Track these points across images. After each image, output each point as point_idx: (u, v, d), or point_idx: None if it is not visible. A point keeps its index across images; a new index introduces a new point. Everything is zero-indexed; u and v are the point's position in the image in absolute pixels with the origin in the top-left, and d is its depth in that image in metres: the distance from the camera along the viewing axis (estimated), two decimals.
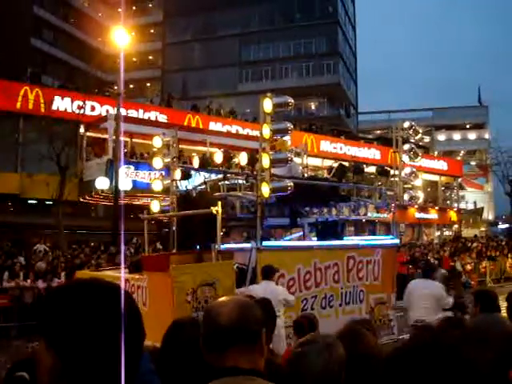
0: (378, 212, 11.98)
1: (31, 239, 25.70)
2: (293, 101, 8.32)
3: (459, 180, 45.86)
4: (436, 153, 49.96)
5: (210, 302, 6.86)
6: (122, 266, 9.28)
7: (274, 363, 3.02)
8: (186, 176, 9.40)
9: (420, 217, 35.47)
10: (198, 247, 8.53)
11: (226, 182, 8.97)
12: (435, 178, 42.30)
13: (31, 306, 15.69)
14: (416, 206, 34.09)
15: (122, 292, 1.43)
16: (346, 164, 11.31)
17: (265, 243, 8.18)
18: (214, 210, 7.60)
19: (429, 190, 42.31)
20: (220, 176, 9.27)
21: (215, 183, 9.26)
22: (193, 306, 6.79)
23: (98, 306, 1.37)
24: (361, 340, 2.92)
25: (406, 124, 10.32)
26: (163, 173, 10.72)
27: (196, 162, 9.27)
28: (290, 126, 8.21)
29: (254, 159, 8.21)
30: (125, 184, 23.61)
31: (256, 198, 8.12)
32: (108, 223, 23.61)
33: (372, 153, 36.74)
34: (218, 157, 8.65)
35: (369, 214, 12.29)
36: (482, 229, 48.99)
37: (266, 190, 7.88)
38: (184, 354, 2.68)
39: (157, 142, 9.68)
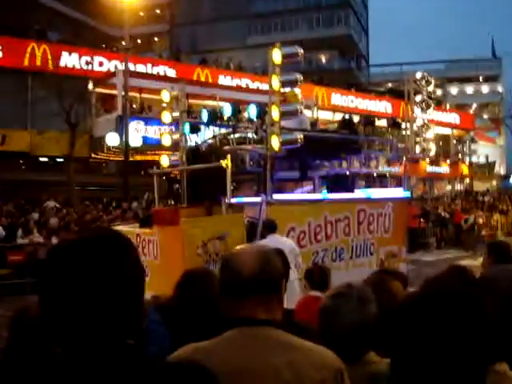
0: (389, 166, 11.90)
1: (43, 196, 25.90)
2: (302, 51, 8.16)
3: (471, 133, 45.37)
4: (448, 106, 49.30)
5: (220, 255, 6.90)
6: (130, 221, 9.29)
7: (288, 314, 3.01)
8: (194, 130, 9.33)
9: (431, 170, 35.30)
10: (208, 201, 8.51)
11: (236, 136, 8.89)
12: (447, 131, 41.89)
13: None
14: (427, 160, 33.91)
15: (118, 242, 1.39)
16: (357, 117, 11.20)
17: (275, 196, 8.16)
18: (223, 163, 7.56)
19: (440, 143, 41.95)
20: (229, 130, 9.19)
21: (224, 137, 9.19)
22: (204, 260, 6.81)
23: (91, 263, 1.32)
24: (387, 289, 2.87)
25: (419, 75, 10.13)
26: (173, 128, 10.65)
27: (205, 116, 9.17)
28: (299, 77, 8.08)
29: (263, 112, 8.10)
30: (135, 140, 23.60)
31: (266, 151, 8.05)
32: (120, 179, 23.73)
33: (383, 105, 36.36)
34: (227, 110, 8.54)
35: (380, 168, 12.21)
36: (494, 183, 48.71)
37: (275, 142, 7.80)
38: (197, 304, 2.67)
39: (165, 96, 9.58)
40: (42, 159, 27.57)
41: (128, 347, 1.36)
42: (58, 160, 26.43)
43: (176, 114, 9.57)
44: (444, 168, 38.13)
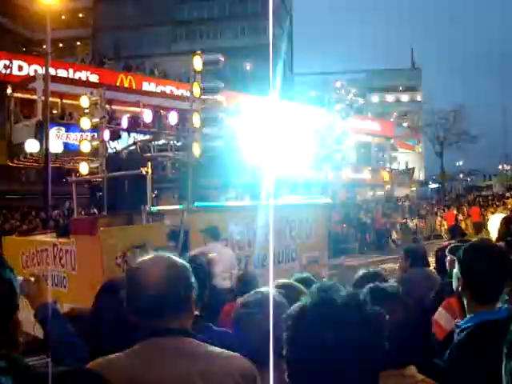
0: (316, 172, 12.09)
1: None
2: (223, 59, 8.18)
3: (391, 141, 46.87)
4: (369, 114, 50.69)
5: None
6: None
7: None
8: (115, 136, 9.17)
9: (354, 177, 36.16)
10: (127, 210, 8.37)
11: (157, 143, 8.80)
12: (368, 138, 43.05)
13: None
14: (350, 167, 34.72)
15: None
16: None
17: (196, 204, 8.12)
18: (143, 170, 7.46)
19: (362, 150, 43.08)
20: (150, 136, 9.09)
21: (145, 144, 9.07)
22: (123, 269, 6.68)
23: None
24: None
25: (338, 84, 10.37)
26: (95, 134, 10.42)
27: (125, 122, 9.02)
28: (221, 84, 8.10)
29: (184, 119, 8.07)
30: (55, 146, 22.95)
31: (187, 157, 8.01)
32: (40, 187, 22.98)
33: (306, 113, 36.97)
34: (148, 116, 8.44)
35: (305, 174, 12.40)
36: (413, 188, 50.47)
37: (197, 149, 7.78)
38: (117, 315, 2.61)
39: (84, 102, 9.37)
40: None
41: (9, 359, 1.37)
42: None
43: (96, 120, 9.38)
44: (366, 174, 39.13)
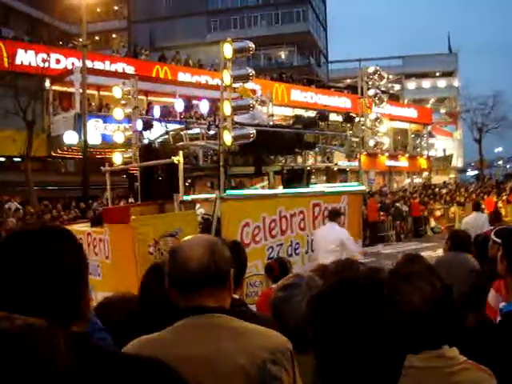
0: (349, 160, 11.97)
1: (1, 197, 25.35)
2: (253, 45, 8.12)
3: (429, 128, 46.10)
4: (406, 101, 49.95)
5: None
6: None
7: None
8: (147, 126, 9.24)
9: (390, 164, 35.77)
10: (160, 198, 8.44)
11: (189, 132, 8.82)
12: (405, 125, 42.49)
13: None
14: (386, 154, 34.31)
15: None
16: (313, 113, 11.25)
17: (228, 192, 8.13)
18: (175, 159, 7.49)
19: (399, 137, 42.53)
20: (182, 126, 9.12)
21: (177, 133, 9.11)
22: (155, 257, 6.73)
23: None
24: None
25: (371, 69, 10.21)
26: (131, 125, 10.51)
27: (157, 112, 9.08)
28: (251, 71, 8.05)
29: (215, 107, 8.06)
30: (93, 138, 23.31)
31: (218, 146, 8.02)
32: (79, 178, 23.40)
33: (343, 101, 36.65)
34: (179, 106, 8.47)
35: (339, 163, 12.28)
36: (452, 176, 49.63)
37: (228, 138, 7.76)
38: (162, 295, 2.64)
39: (117, 92, 9.46)
40: None
41: (74, 335, 1.37)
42: (16, 159, 25.86)
43: (129, 110, 9.46)
44: (403, 162, 38.64)
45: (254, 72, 8.16)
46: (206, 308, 1.93)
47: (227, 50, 7.95)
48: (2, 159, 27.11)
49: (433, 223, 25.60)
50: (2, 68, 24.13)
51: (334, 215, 8.73)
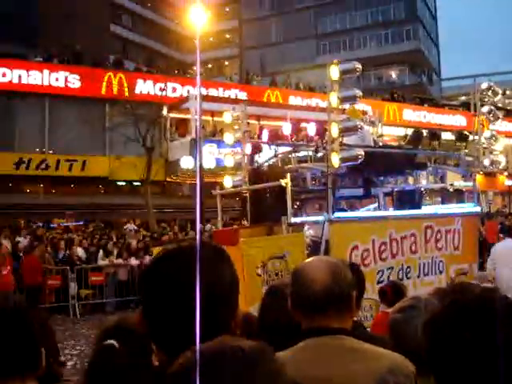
0: (464, 180, 11.53)
1: (121, 219, 26.76)
2: (360, 66, 8.08)
3: None
4: None
5: (280, 274, 6.88)
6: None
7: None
8: (256, 150, 9.42)
9: (510, 184, 33.86)
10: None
11: (297, 155, 8.90)
12: None
13: (125, 283, 16.44)
14: (506, 174, 32.46)
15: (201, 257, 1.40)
16: (424, 132, 10.95)
17: (337, 214, 8.07)
18: (283, 182, 7.57)
19: None
20: (290, 149, 9.21)
21: (285, 156, 9.21)
22: (263, 279, 6.81)
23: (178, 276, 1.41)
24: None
25: (484, 85, 9.80)
26: (239, 149, 10.77)
27: (265, 136, 9.24)
28: (358, 92, 8.01)
29: (323, 129, 8.08)
30: (208, 162, 24.00)
31: (326, 168, 8.01)
32: (195, 201, 24.14)
33: (458, 119, 35.36)
34: (287, 129, 8.58)
35: (455, 183, 11.83)
36: None
37: (335, 159, 7.74)
38: (281, 315, 2.70)
39: (227, 118, 9.75)
40: (119, 183, 28.51)
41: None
42: (135, 184, 27.23)
43: (238, 134, 9.71)
44: None
45: (361, 93, 8.11)
46: (330, 329, 1.95)
47: (334, 71, 7.98)
48: (123, 183, 28.61)
49: None
50: (123, 97, 25.57)
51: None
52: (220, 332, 1.34)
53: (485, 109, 9.75)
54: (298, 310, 2.03)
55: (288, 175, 7.66)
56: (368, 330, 5.36)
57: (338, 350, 1.93)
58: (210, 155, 24.41)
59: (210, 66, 45.21)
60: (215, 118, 26.72)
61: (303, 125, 8.58)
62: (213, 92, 28.57)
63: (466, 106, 35.75)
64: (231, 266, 1.53)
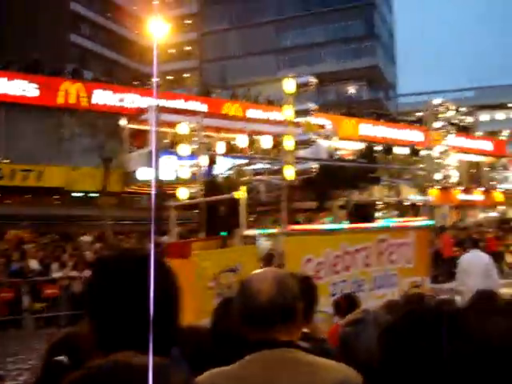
0: (420, 194, 11.75)
1: (77, 231, 26.30)
2: (315, 80, 8.16)
3: (503, 160, 44.59)
4: (479, 133, 48.63)
5: (233, 287, 6.84)
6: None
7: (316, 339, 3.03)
8: (211, 162, 9.40)
9: (464, 198, 34.67)
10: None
11: (252, 167, 8.90)
12: (479, 158, 41.26)
13: (80, 295, 16.11)
14: (460, 188, 33.30)
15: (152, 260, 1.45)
16: (378, 147, 11.13)
17: (291, 227, 8.09)
18: (237, 194, 7.55)
19: (472, 171, 41.30)
20: (246, 161, 9.22)
21: (241, 169, 9.21)
22: (216, 292, 6.76)
23: (125, 277, 1.46)
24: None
25: (437, 101, 10.02)
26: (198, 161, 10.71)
27: (221, 148, 9.24)
28: (313, 106, 8.07)
29: (278, 142, 8.12)
30: (167, 174, 23.84)
31: (281, 181, 8.03)
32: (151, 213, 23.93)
33: (414, 135, 36.05)
34: (242, 141, 8.58)
35: (411, 197, 12.03)
36: None
37: (290, 172, 7.78)
38: (235, 329, 2.68)
39: (183, 129, 9.72)
40: (76, 194, 28.06)
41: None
42: (92, 195, 26.84)
43: (194, 146, 9.68)
44: (477, 196, 37.44)
45: (316, 107, 8.18)
46: (277, 342, 1.92)
47: (289, 85, 8.03)
48: (80, 194, 28.16)
49: (509, 259, 24.51)
50: (81, 107, 25.26)
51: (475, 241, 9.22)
52: (159, 338, 1.35)
53: (437, 124, 9.95)
54: (244, 322, 2.00)
55: (243, 188, 7.64)
56: None
57: (285, 364, 1.90)
58: (168, 167, 24.25)
59: (170, 77, 45.08)
60: (174, 130, 26.57)
61: (258, 137, 8.59)
62: (173, 104, 28.45)
63: (421, 121, 36.65)
64: (168, 276, 1.57)
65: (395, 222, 10.35)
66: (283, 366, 1.88)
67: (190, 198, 9.69)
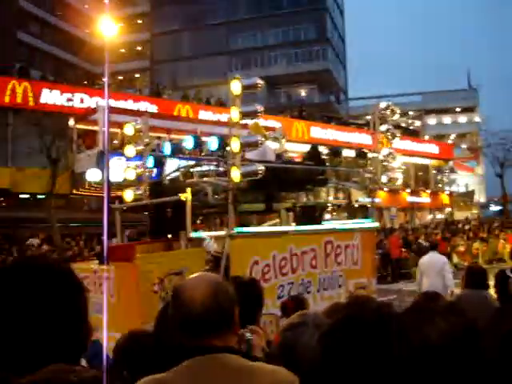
0: (368, 196, 11.89)
1: (24, 233, 25.65)
2: (261, 82, 8.15)
3: (450, 163, 45.88)
4: (427, 137, 49.87)
5: None
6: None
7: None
8: (157, 163, 9.29)
9: (412, 200, 35.45)
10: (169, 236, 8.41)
11: (198, 169, 8.83)
12: (426, 161, 42.29)
13: None
14: (408, 190, 34.05)
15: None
16: (324, 149, 11.22)
17: (237, 229, 8.06)
18: (182, 196, 7.47)
19: (420, 173, 42.29)
20: (192, 162, 9.14)
21: (187, 170, 9.13)
22: (160, 296, 6.65)
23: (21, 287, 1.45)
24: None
25: (383, 105, 10.19)
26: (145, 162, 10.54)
27: (167, 149, 9.13)
28: (259, 108, 8.05)
29: (224, 144, 8.06)
30: (116, 175, 23.48)
31: (227, 183, 7.99)
32: (101, 215, 23.56)
33: (364, 138, 36.62)
34: (189, 143, 8.50)
35: (360, 199, 12.17)
36: (474, 211, 49.13)
37: (236, 174, 7.74)
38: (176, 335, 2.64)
39: (129, 130, 9.57)
40: (22, 196, 27.42)
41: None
42: (39, 196, 26.28)
43: (140, 147, 9.55)
44: (424, 198, 38.35)
45: (262, 108, 8.16)
46: (213, 348, 1.91)
47: (236, 86, 7.99)
48: (27, 196, 27.54)
49: (456, 259, 25.14)
50: (28, 107, 24.72)
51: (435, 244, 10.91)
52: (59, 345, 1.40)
53: (383, 127, 10.11)
54: (180, 329, 1.98)
55: (188, 189, 7.56)
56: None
57: (221, 369, 1.89)
58: (118, 168, 23.89)
59: (120, 77, 44.50)
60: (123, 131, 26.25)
61: (204, 139, 8.51)
62: (123, 104, 28.10)
63: (369, 124, 37.28)
64: (67, 284, 1.55)
65: (341, 224, 10.44)
66: (219, 372, 1.87)
67: (135, 200, 9.53)
